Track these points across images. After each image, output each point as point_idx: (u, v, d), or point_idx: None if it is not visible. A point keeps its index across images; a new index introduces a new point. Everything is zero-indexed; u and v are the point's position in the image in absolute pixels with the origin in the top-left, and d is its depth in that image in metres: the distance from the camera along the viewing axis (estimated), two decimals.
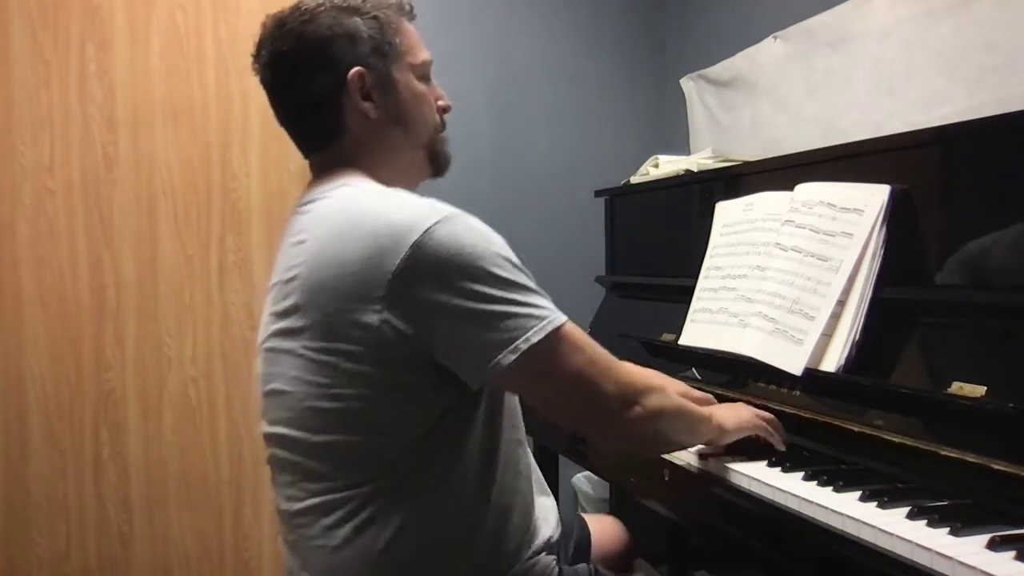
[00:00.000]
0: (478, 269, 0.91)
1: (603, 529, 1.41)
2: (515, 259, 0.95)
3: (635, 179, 2.10)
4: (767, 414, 1.19)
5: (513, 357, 0.90)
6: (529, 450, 1.12)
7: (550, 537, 1.11)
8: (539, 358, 0.91)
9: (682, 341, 1.54)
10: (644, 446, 1.08)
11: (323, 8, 1.03)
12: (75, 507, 2.07)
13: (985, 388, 0.98)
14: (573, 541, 1.28)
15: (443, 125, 1.14)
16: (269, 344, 1.03)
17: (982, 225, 1.11)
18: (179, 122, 2.14)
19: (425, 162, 1.14)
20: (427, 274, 0.90)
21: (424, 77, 1.11)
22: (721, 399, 1.41)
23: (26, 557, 2.03)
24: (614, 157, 2.51)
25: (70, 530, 2.07)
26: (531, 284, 0.95)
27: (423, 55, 1.11)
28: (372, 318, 0.91)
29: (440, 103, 1.14)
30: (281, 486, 1.04)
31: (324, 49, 1.03)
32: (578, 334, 0.96)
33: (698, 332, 1.52)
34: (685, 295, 1.59)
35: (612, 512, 2.33)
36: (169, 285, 2.14)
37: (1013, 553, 0.79)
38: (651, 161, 2.09)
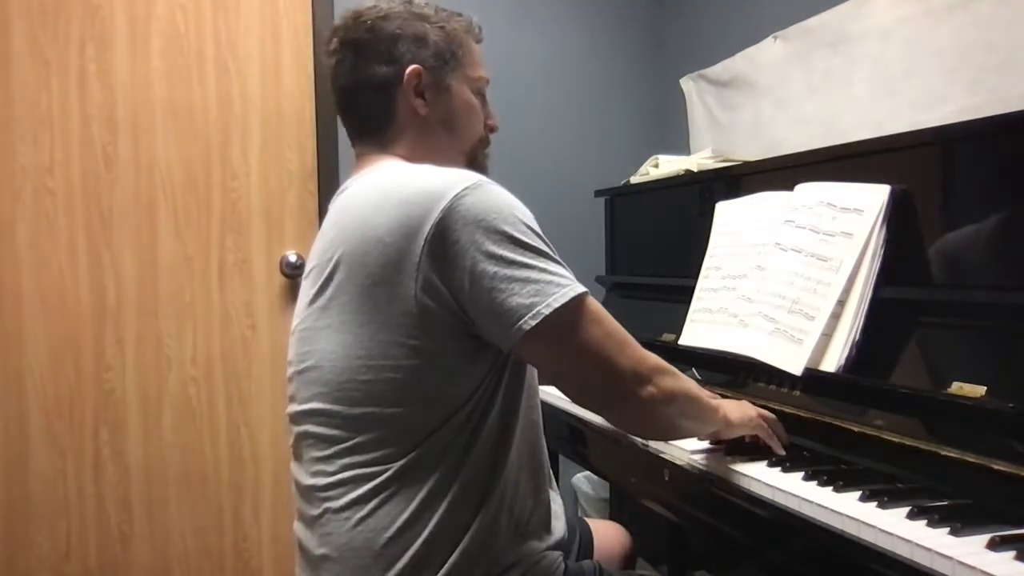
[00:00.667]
0: (505, 233, 0.94)
1: (606, 533, 1.41)
2: (537, 227, 0.98)
3: (635, 179, 2.10)
4: (770, 415, 1.19)
5: (534, 323, 0.92)
6: (544, 442, 1.12)
7: (562, 536, 1.11)
8: (559, 325, 0.93)
9: (682, 341, 1.54)
10: (654, 428, 1.08)
11: (398, 10, 1.12)
12: (75, 507, 2.07)
13: (985, 388, 0.98)
14: (577, 542, 1.29)
15: (487, 142, 1.20)
16: (305, 325, 1.05)
17: (982, 225, 1.11)
18: (179, 122, 2.14)
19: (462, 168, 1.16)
20: (457, 237, 0.93)
21: (478, 93, 1.17)
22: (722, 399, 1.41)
23: (26, 557, 2.03)
24: (614, 157, 2.51)
25: (70, 530, 2.07)
26: (553, 254, 0.98)
27: (481, 72, 1.17)
28: (409, 286, 0.94)
29: (489, 121, 1.19)
30: (309, 462, 1.04)
31: (390, 44, 1.10)
32: (597, 306, 0.99)
33: (698, 332, 1.52)
34: (685, 295, 1.59)
35: (612, 512, 2.34)
36: (169, 285, 2.14)
37: (1013, 553, 0.79)
38: (651, 161, 2.09)
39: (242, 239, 2.20)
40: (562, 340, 0.96)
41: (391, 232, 0.94)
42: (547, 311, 0.92)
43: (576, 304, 0.95)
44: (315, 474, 1.02)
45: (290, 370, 1.09)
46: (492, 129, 1.20)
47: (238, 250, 2.20)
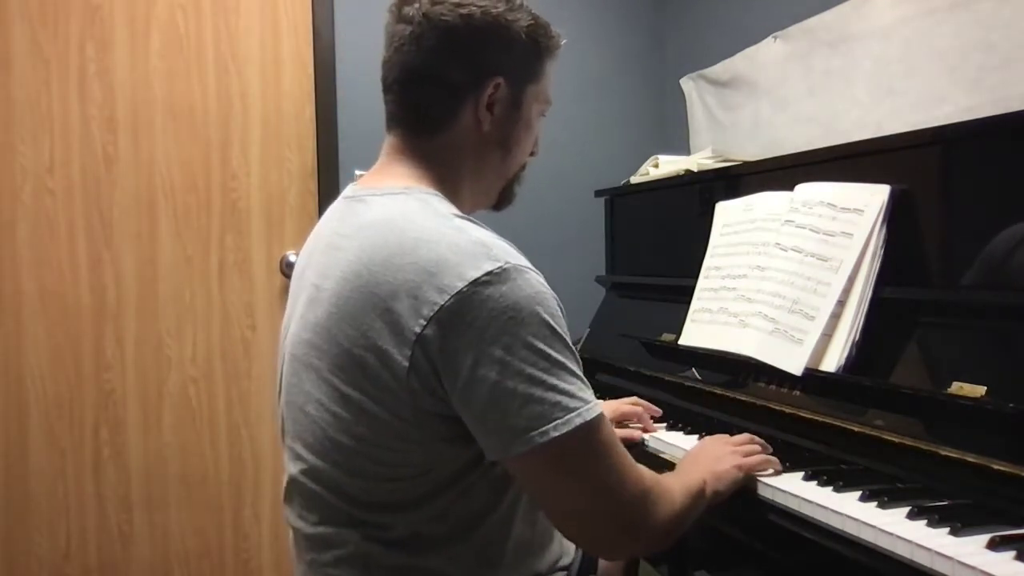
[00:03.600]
0: (516, 338, 0.83)
1: None
2: (562, 329, 0.87)
3: (635, 179, 2.10)
4: (750, 444, 1.14)
5: (523, 449, 0.83)
6: None
7: (569, 565, 1.08)
8: (555, 453, 0.84)
9: (682, 341, 1.54)
10: (656, 548, 0.99)
11: (496, 7, 0.99)
12: (75, 507, 2.07)
13: (985, 388, 0.98)
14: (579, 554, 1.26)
15: (524, 168, 1.12)
16: (295, 351, 0.97)
17: (982, 225, 1.11)
18: (179, 122, 2.14)
19: (496, 193, 1.10)
20: (461, 330, 0.83)
21: (540, 116, 1.09)
22: (721, 399, 1.41)
23: (26, 557, 2.03)
24: (614, 157, 2.51)
25: (70, 530, 2.07)
26: (570, 363, 0.86)
27: (550, 94, 1.09)
28: (401, 361, 0.84)
29: (535, 148, 1.11)
30: (296, 506, 1.00)
31: (479, 46, 0.98)
32: (605, 433, 0.87)
33: (698, 332, 1.52)
34: (685, 295, 1.59)
35: None
36: (169, 285, 2.14)
37: (1013, 553, 0.79)
38: (651, 161, 2.09)
39: (242, 239, 2.20)
40: (557, 469, 0.85)
41: (395, 297, 0.85)
42: (541, 440, 0.82)
43: (577, 434, 0.83)
44: (301, 519, 0.99)
45: (278, 389, 1.03)
46: (533, 154, 1.12)
47: (238, 250, 2.19)
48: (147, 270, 2.12)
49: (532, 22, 1.01)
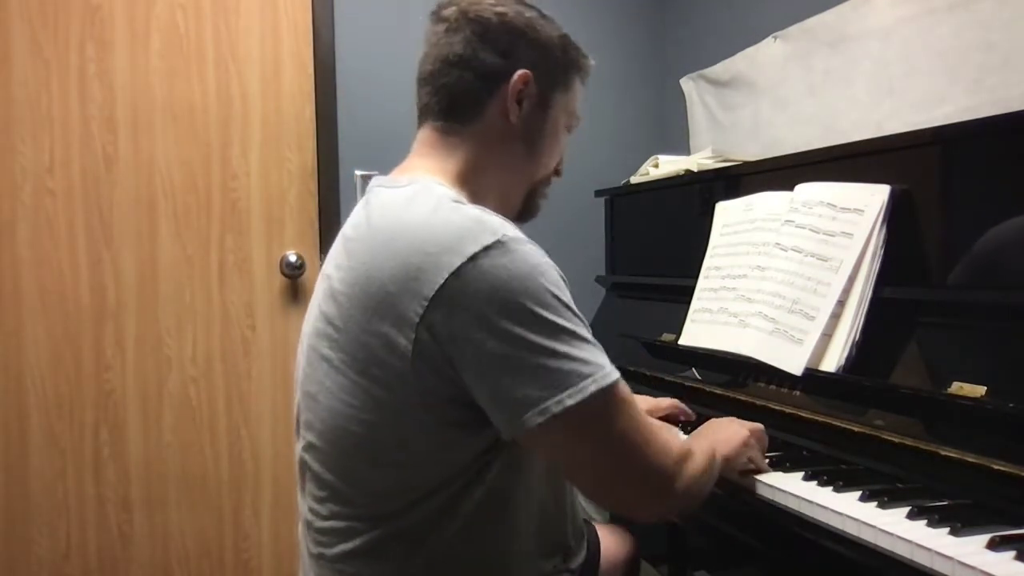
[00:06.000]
0: (521, 308, 0.82)
1: (611, 538, 1.39)
2: (567, 297, 0.86)
3: (635, 179, 2.10)
4: (758, 429, 1.15)
5: (540, 420, 0.81)
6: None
7: (575, 568, 1.08)
8: (574, 421, 0.82)
9: (682, 341, 1.54)
10: (686, 508, 0.99)
11: (531, 10, 1.05)
12: (75, 507, 2.07)
13: (985, 388, 0.98)
14: (584, 550, 1.26)
15: (549, 184, 1.13)
16: (311, 342, 0.98)
17: (982, 225, 1.11)
18: (179, 122, 2.14)
19: (520, 200, 1.10)
20: (464, 307, 0.82)
21: (567, 129, 1.11)
22: (721, 399, 1.41)
23: (26, 557, 2.03)
24: (614, 157, 2.51)
25: (70, 530, 2.07)
26: (579, 329, 0.85)
27: (578, 111, 1.13)
28: (405, 345, 0.84)
29: (560, 165, 1.13)
30: (308, 496, 1.00)
31: (513, 38, 1.02)
32: (622, 397, 0.86)
33: (698, 332, 1.52)
34: (685, 295, 1.59)
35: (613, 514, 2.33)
36: (169, 285, 2.14)
37: (1013, 553, 0.79)
38: (651, 161, 2.09)
39: (242, 239, 2.20)
40: (575, 440, 0.84)
41: (394, 281, 0.85)
42: (557, 408, 0.81)
43: (594, 400, 0.82)
44: (313, 512, 0.99)
45: (297, 378, 1.03)
46: (558, 173, 1.13)
47: (238, 250, 2.19)
48: (147, 270, 2.12)
49: (564, 34, 1.07)
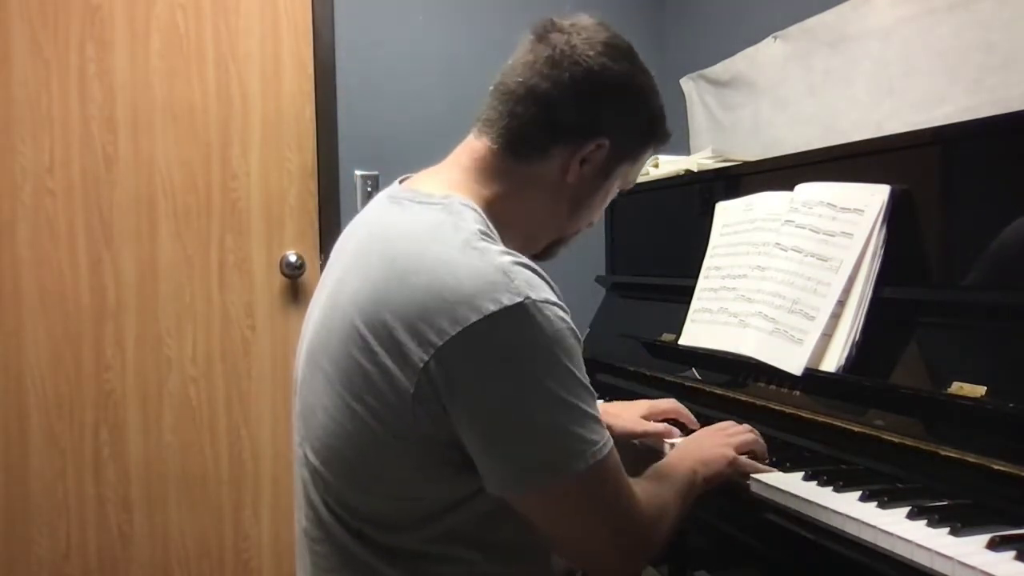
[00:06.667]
0: (529, 375, 0.81)
1: None
2: (577, 367, 0.84)
3: None
4: (749, 436, 1.14)
5: (525, 488, 0.83)
6: None
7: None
8: (559, 494, 0.83)
9: (682, 341, 1.54)
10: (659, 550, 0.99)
11: (642, 75, 0.99)
12: (75, 507, 2.07)
13: (985, 388, 0.98)
14: None
15: (577, 233, 1.09)
16: (311, 347, 0.95)
17: (982, 225, 1.11)
18: (179, 122, 2.14)
19: (544, 245, 1.06)
20: (470, 364, 0.80)
21: (619, 191, 1.08)
22: (721, 399, 1.41)
23: (26, 557, 2.03)
24: None
25: (70, 530, 2.07)
26: (582, 404, 0.83)
27: (637, 178, 1.09)
28: (407, 386, 0.82)
29: (592, 222, 1.09)
30: (303, 516, 0.98)
31: (606, 100, 0.96)
32: (611, 471, 0.86)
33: (698, 332, 1.52)
34: (685, 295, 1.59)
35: None
36: (169, 285, 2.14)
37: (1013, 553, 0.79)
38: (651, 161, 2.09)
39: (242, 239, 2.20)
40: (559, 510, 0.85)
41: (405, 320, 0.82)
42: (542, 480, 0.82)
43: (583, 476, 0.82)
44: (308, 522, 0.97)
45: (295, 385, 1.00)
46: (590, 225, 1.09)
47: (238, 250, 2.19)
48: (147, 270, 2.12)
49: (660, 108, 1.02)
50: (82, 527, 2.08)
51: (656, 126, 1.03)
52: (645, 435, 1.33)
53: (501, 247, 0.86)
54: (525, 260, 0.86)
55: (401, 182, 1.02)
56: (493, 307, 0.79)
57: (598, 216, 1.08)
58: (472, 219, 0.89)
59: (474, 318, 0.79)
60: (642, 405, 1.38)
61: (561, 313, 0.84)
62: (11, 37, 2.00)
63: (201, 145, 2.16)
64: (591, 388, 0.87)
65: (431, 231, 0.87)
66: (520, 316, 0.80)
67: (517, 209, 0.98)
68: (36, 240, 2.03)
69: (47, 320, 2.04)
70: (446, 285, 0.81)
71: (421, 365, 0.81)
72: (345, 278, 0.92)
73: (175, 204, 2.14)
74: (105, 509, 2.10)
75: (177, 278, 2.15)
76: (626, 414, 1.35)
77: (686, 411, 1.38)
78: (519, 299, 0.80)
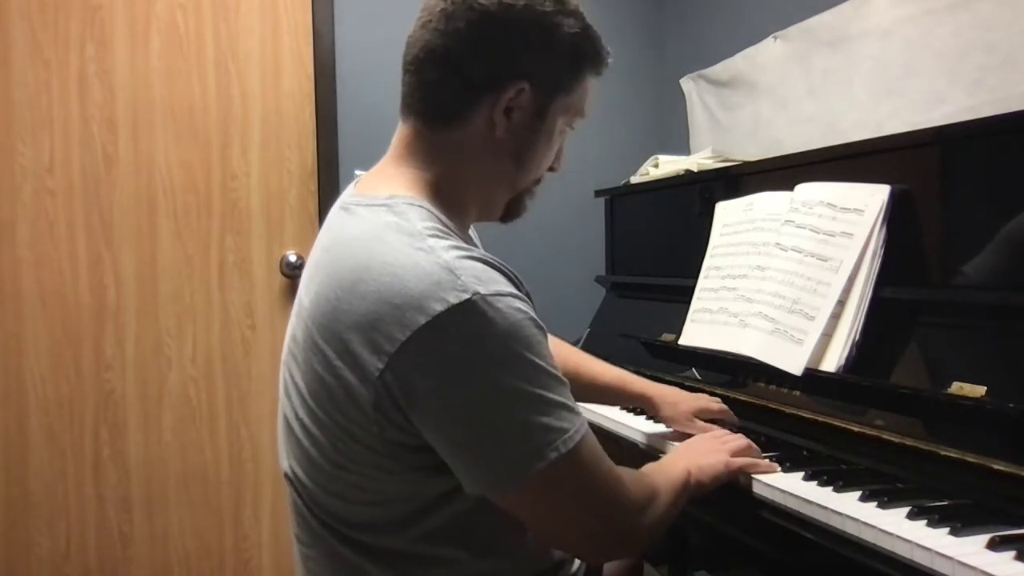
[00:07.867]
0: (485, 373, 0.78)
1: None
2: (538, 354, 0.80)
3: (635, 179, 2.10)
4: (739, 444, 1.13)
5: (502, 488, 0.81)
6: None
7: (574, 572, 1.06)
8: (537, 488, 0.81)
9: (682, 341, 1.54)
10: (647, 548, 0.99)
11: (544, 1, 0.90)
12: (75, 507, 2.07)
13: (985, 388, 0.98)
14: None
15: (539, 183, 1.03)
16: (285, 362, 0.95)
17: (982, 225, 1.11)
18: (179, 122, 2.14)
19: (503, 205, 1.01)
20: (428, 367, 0.78)
21: (567, 128, 1.01)
22: (721, 399, 1.41)
23: (26, 557, 2.03)
24: (614, 157, 2.51)
25: (70, 530, 2.07)
26: (547, 391, 0.80)
27: (584, 108, 1.01)
28: (366, 396, 0.80)
29: (555, 163, 1.02)
30: (292, 515, 0.98)
31: (511, 39, 0.89)
32: (588, 456, 0.83)
33: (698, 332, 1.52)
34: (685, 295, 1.59)
35: None
36: (169, 285, 2.14)
37: (1013, 553, 0.79)
38: (651, 161, 2.09)
39: (242, 239, 2.20)
40: (537, 503, 0.83)
41: (359, 327, 0.80)
42: (519, 477, 0.79)
43: (557, 465, 0.79)
44: (296, 537, 0.97)
45: (280, 387, 0.98)
46: (554, 169, 1.02)
47: (238, 250, 2.19)
48: (147, 270, 2.12)
49: (580, 31, 0.93)
50: (82, 527, 2.08)
51: (581, 49, 0.94)
52: (684, 431, 1.30)
53: (450, 242, 0.83)
54: (476, 253, 0.83)
55: (357, 182, 0.99)
56: (440, 307, 0.77)
57: (553, 160, 1.01)
58: (417, 217, 0.85)
59: (422, 320, 0.76)
60: (693, 403, 1.32)
61: (516, 303, 0.80)
62: (11, 37, 2.00)
63: (201, 145, 2.16)
64: (559, 375, 0.83)
65: (376, 235, 0.84)
66: (469, 313, 0.77)
67: (462, 181, 0.94)
68: (36, 240, 2.03)
69: (47, 320, 2.04)
70: (393, 290, 0.78)
71: (376, 375, 0.79)
72: (305, 293, 0.92)
73: (175, 204, 2.14)
74: (105, 509, 2.10)
75: (177, 278, 2.15)
76: (682, 407, 1.31)
77: (733, 415, 1.33)
78: (466, 296, 0.77)
